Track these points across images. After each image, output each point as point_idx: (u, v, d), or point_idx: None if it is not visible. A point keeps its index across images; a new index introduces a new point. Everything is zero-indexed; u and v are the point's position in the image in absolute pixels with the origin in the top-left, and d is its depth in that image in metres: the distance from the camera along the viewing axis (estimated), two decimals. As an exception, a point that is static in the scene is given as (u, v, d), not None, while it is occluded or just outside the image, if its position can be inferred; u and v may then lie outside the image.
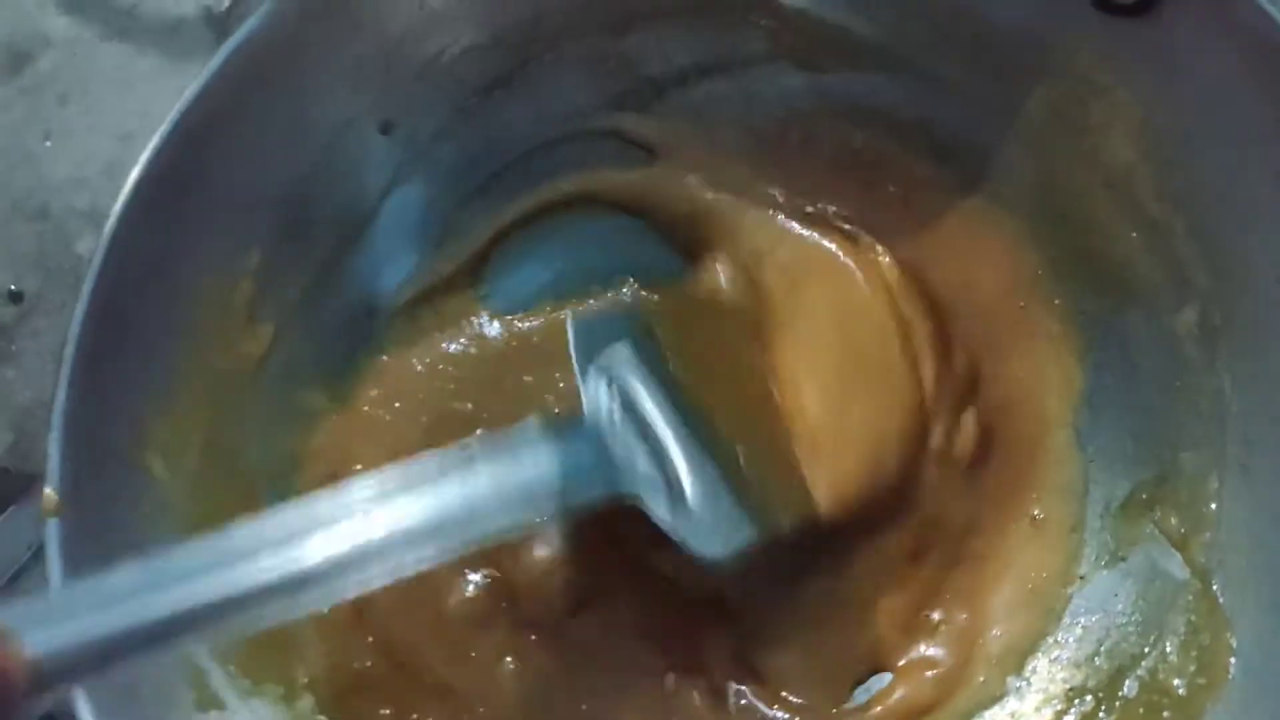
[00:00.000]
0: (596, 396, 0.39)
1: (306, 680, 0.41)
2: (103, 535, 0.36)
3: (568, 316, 0.45)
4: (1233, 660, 0.38)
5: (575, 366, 0.39)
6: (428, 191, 0.44)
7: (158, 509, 0.38)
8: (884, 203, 0.45)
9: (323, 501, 0.33)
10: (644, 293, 0.46)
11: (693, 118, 0.45)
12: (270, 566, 0.31)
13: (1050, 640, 0.42)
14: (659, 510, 0.37)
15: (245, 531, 0.32)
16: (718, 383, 0.42)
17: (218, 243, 0.40)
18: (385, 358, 0.45)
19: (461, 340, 0.46)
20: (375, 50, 0.41)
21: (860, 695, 0.43)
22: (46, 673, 0.27)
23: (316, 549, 0.32)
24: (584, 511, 0.38)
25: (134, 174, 0.37)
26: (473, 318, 0.46)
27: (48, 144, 0.54)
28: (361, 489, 0.34)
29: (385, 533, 0.33)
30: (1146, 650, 0.40)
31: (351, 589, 0.33)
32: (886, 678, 0.43)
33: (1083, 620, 0.42)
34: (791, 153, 0.45)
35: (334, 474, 0.42)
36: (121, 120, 0.54)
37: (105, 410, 0.37)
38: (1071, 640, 0.42)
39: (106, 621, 0.29)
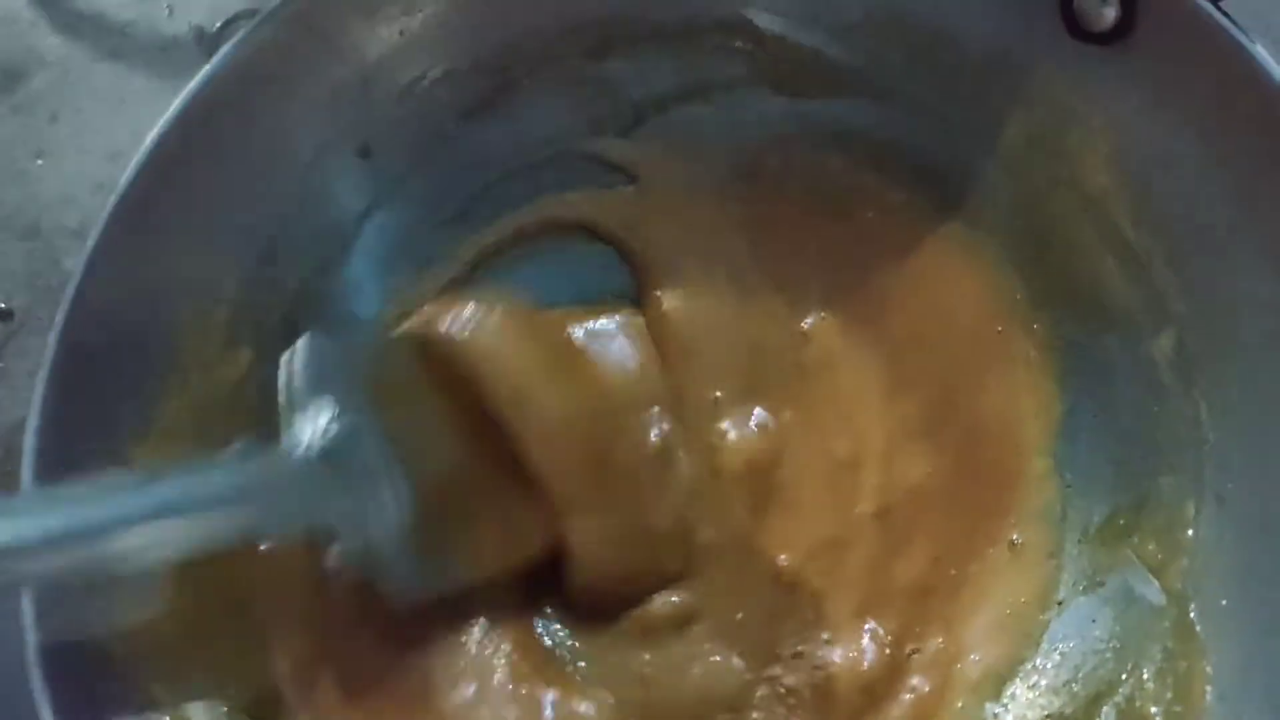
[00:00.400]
0: (305, 429, 0.37)
1: None
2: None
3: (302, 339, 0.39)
4: (1209, 688, 0.38)
5: (290, 392, 0.37)
6: (407, 216, 0.44)
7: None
8: (859, 232, 0.45)
9: None
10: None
11: (672, 142, 0.45)
12: None
13: (1028, 666, 0.42)
14: (353, 547, 0.37)
15: None
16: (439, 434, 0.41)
17: (196, 267, 0.40)
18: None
19: (442, 361, 0.46)
20: (354, 75, 0.41)
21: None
22: None
23: None
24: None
25: (111, 200, 0.38)
26: (453, 340, 0.46)
27: (39, 162, 0.55)
28: None
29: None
30: (1124, 677, 0.40)
31: None
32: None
33: (1060, 646, 0.41)
34: (768, 179, 0.45)
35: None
36: (112, 139, 0.54)
37: (80, 435, 0.37)
38: (1049, 666, 0.41)
39: None
